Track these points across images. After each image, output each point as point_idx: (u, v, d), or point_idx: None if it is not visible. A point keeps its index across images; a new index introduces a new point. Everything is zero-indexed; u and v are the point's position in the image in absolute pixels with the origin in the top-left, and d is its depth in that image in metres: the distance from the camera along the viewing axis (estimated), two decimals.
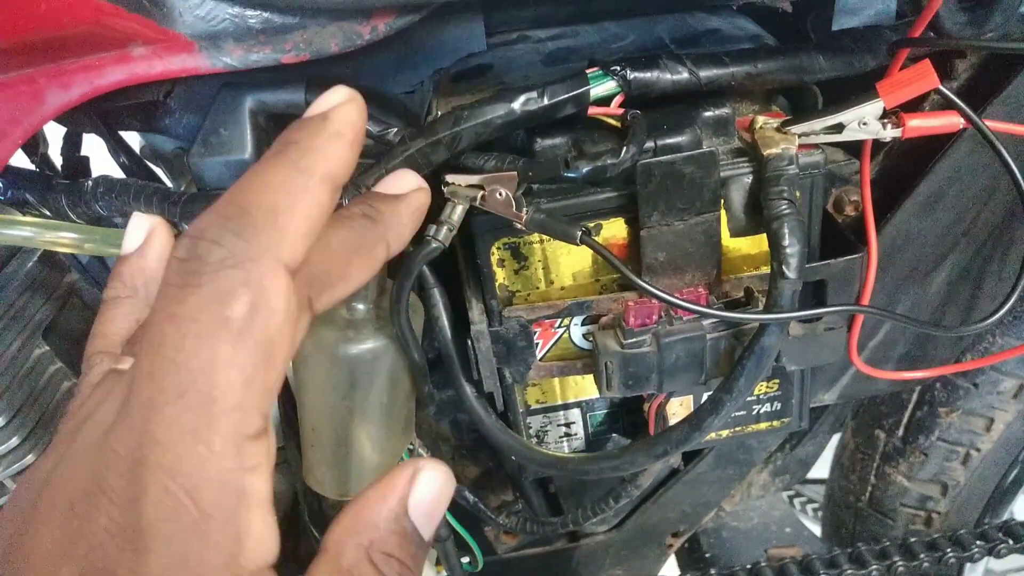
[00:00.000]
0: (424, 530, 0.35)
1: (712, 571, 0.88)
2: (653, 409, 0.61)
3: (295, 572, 0.83)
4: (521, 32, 0.70)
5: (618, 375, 0.55)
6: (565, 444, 0.67)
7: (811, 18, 0.61)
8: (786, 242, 0.50)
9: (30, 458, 0.71)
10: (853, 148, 0.60)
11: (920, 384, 0.89)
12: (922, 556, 0.87)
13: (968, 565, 0.92)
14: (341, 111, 0.37)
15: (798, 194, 0.53)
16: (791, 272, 0.50)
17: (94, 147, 0.74)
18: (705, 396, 0.65)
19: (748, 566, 0.88)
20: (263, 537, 0.30)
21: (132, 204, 0.58)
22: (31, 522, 0.30)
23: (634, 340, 0.54)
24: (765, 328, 0.51)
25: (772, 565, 0.88)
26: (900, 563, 0.86)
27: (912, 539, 0.88)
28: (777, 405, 0.66)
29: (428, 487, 0.35)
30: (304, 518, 0.78)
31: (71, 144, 0.72)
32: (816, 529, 1.15)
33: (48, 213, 0.64)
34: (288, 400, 0.75)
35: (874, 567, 0.86)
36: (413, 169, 0.52)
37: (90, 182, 0.61)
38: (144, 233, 0.41)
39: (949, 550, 0.87)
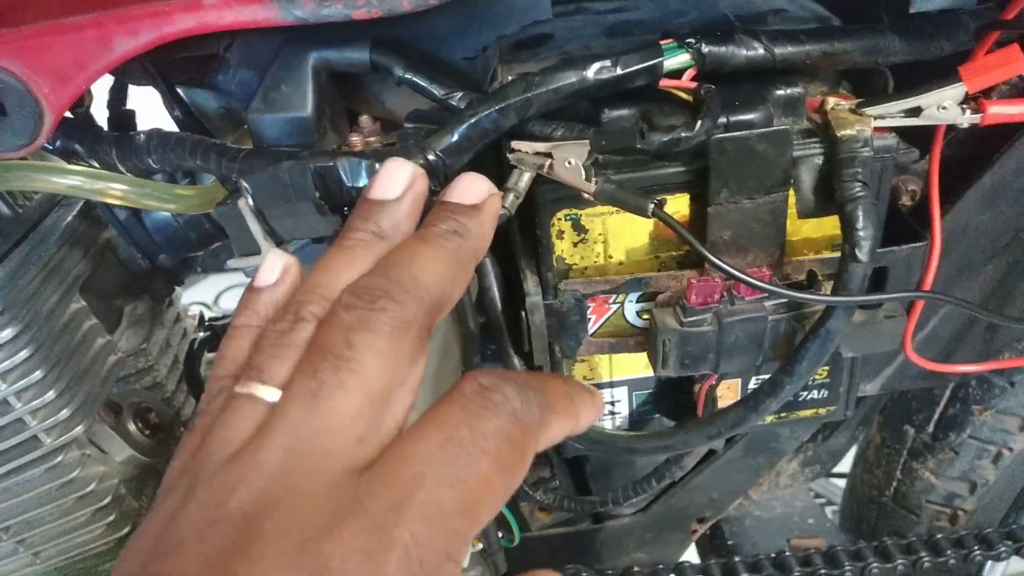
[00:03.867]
0: None
1: (736, 559, 0.88)
2: (703, 391, 0.61)
3: None
4: (579, 3, 0.69)
5: (675, 353, 0.55)
6: (608, 422, 0.67)
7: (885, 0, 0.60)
8: (860, 224, 0.49)
9: (64, 412, 0.70)
10: (909, 137, 0.59)
11: (957, 380, 0.89)
12: (948, 552, 0.86)
13: (990, 564, 0.92)
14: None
15: None
16: (863, 255, 0.49)
17: (139, 102, 0.73)
18: (753, 381, 0.64)
19: (772, 555, 0.88)
20: None
21: (188, 159, 0.56)
22: (255, 543, 0.31)
23: (695, 318, 0.54)
24: (832, 311, 0.50)
25: (797, 555, 0.88)
26: (926, 558, 0.86)
27: (939, 535, 0.87)
28: (824, 392, 0.65)
29: None
30: None
31: (117, 97, 0.71)
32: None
33: (96, 165, 0.63)
34: None
35: (900, 561, 0.86)
36: (479, 135, 0.52)
37: (143, 135, 0.60)
38: (280, 269, 0.42)
39: (976, 548, 0.87)
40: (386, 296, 0.36)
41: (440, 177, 0.53)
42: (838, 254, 0.56)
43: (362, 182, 0.52)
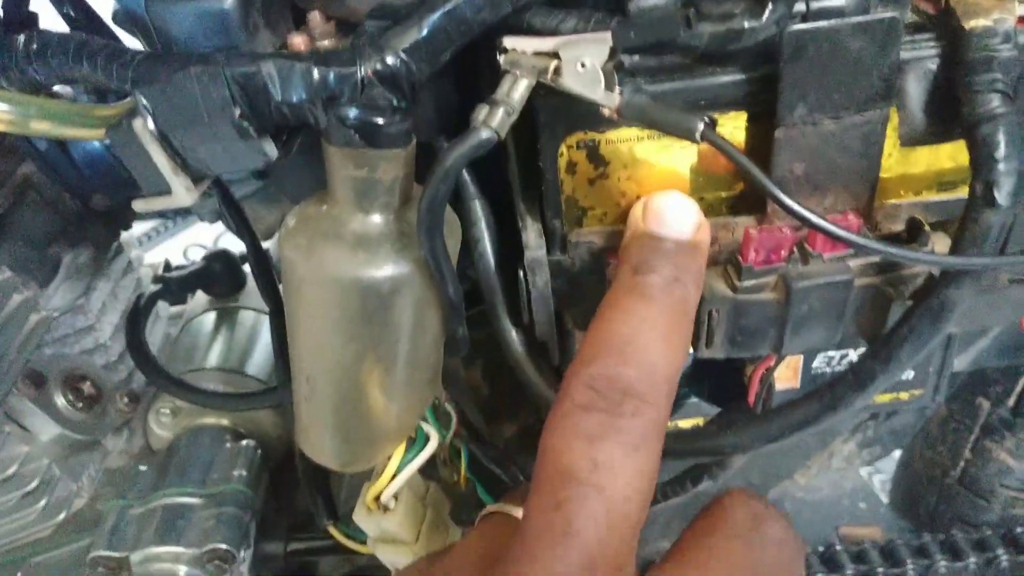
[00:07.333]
0: None
1: None
2: (758, 374, 0.47)
3: (289, 528, 0.69)
4: None
5: (725, 329, 0.41)
6: None
7: None
8: (1000, 152, 0.34)
9: None
10: None
11: None
12: None
13: None
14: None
15: None
16: (1003, 198, 0.34)
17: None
18: (820, 356, 0.50)
19: (820, 549, 0.75)
20: None
21: (72, 65, 0.42)
22: None
23: (753, 282, 0.39)
24: (952, 277, 0.36)
25: (848, 549, 0.75)
26: (1004, 556, 0.73)
27: (1019, 529, 0.74)
28: (910, 373, 0.51)
29: None
30: (299, 470, 0.65)
31: None
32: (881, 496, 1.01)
33: None
34: (284, 332, 0.61)
35: (971, 560, 0.73)
36: (458, 29, 0.37)
37: (22, 37, 0.45)
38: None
39: None
40: (633, 395, 0.31)
41: (405, 88, 0.38)
42: (947, 195, 0.42)
43: (296, 94, 0.38)
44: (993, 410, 0.81)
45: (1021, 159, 0.35)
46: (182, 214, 2.44)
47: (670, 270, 0.35)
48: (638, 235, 0.37)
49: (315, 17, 0.46)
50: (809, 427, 0.40)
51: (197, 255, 0.92)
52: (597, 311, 0.35)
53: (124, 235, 0.80)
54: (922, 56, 0.38)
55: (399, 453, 0.47)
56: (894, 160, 0.42)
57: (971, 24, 0.36)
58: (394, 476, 0.46)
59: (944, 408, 0.85)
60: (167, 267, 0.89)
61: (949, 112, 0.37)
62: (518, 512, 0.37)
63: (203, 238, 2.29)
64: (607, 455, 0.30)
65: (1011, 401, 0.79)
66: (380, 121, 0.38)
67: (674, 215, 0.37)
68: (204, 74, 0.38)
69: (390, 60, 0.37)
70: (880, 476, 1.14)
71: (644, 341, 0.33)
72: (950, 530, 0.78)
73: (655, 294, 0.34)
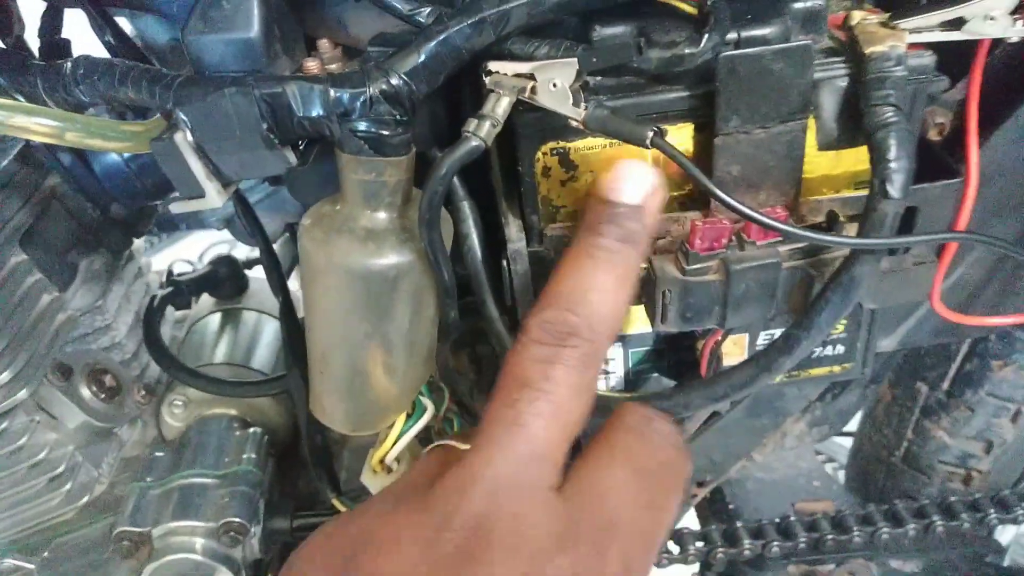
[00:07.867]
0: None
1: (738, 524, 0.82)
2: (708, 347, 0.54)
3: (293, 508, 0.76)
4: None
5: (677, 306, 0.48)
6: (602, 382, 0.60)
7: None
8: (892, 154, 0.42)
9: (6, 375, 0.64)
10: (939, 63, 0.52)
11: (983, 333, 0.83)
12: (963, 516, 0.81)
13: (1004, 527, 0.87)
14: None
15: None
16: (895, 191, 0.42)
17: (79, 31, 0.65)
18: (762, 336, 0.58)
19: (777, 520, 0.82)
20: None
21: (118, 88, 0.49)
22: (484, 554, 0.35)
23: (699, 266, 0.47)
24: (858, 257, 0.44)
25: (802, 520, 0.83)
26: (939, 523, 0.81)
27: (952, 498, 0.82)
28: (841, 348, 0.59)
29: None
30: (304, 452, 0.72)
31: (51, 24, 0.63)
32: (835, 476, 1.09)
33: (21, 99, 0.56)
34: (292, 323, 0.68)
35: (911, 525, 0.81)
36: (450, 55, 0.45)
37: (69, 63, 0.52)
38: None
39: (992, 511, 0.82)
40: (575, 335, 0.39)
41: (406, 104, 0.45)
42: (861, 192, 0.50)
43: (315, 111, 0.45)
44: (931, 393, 0.89)
45: (910, 159, 0.43)
46: (168, 230, 2.48)
47: (617, 234, 0.42)
48: (593, 199, 0.43)
49: (324, 44, 0.54)
50: (748, 388, 0.48)
51: (182, 269, 0.98)
52: (556, 266, 0.43)
53: (135, 243, 0.86)
54: (833, 76, 0.46)
55: (400, 421, 0.54)
56: (821, 162, 0.50)
57: (870, 50, 0.44)
58: (396, 441, 0.54)
59: (888, 393, 0.94)
60: (169, 273, 0.96)
61: (856, 122, 0.45)
62: (460, 445, 0.44)
63: (188, 254, 2.35)
64: (554, 372, 0.38)
65: (945, 384, 0.88)
66: (386, 133, 0.46)
67: (628, 183, 0.43)
68: (238, 94, 0.45)
69: (394, 81, 0.45)
70: (831, 465, 1.22)
71: (588, 294, 0.40)
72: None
73: (601, 256, 0.41)
